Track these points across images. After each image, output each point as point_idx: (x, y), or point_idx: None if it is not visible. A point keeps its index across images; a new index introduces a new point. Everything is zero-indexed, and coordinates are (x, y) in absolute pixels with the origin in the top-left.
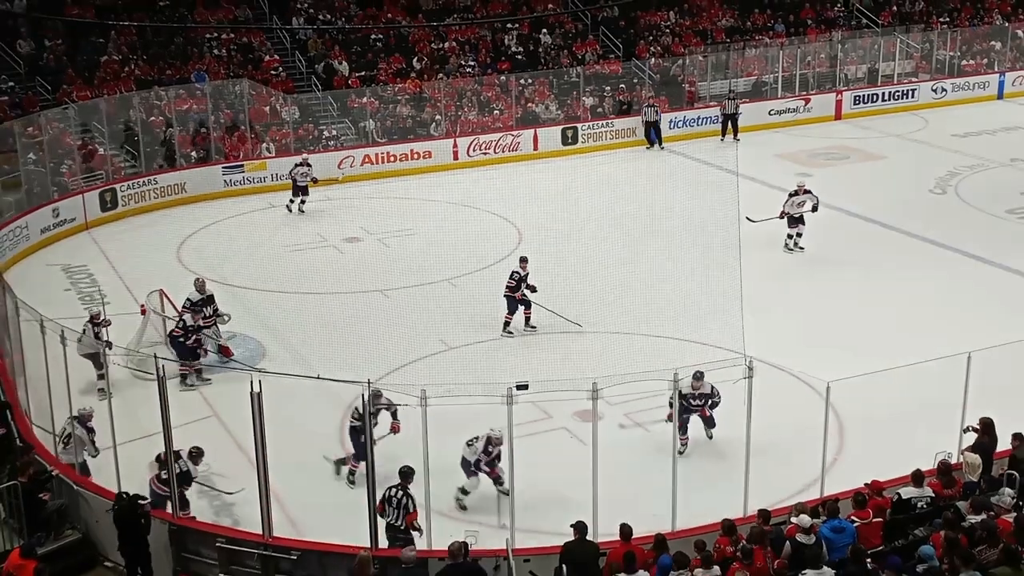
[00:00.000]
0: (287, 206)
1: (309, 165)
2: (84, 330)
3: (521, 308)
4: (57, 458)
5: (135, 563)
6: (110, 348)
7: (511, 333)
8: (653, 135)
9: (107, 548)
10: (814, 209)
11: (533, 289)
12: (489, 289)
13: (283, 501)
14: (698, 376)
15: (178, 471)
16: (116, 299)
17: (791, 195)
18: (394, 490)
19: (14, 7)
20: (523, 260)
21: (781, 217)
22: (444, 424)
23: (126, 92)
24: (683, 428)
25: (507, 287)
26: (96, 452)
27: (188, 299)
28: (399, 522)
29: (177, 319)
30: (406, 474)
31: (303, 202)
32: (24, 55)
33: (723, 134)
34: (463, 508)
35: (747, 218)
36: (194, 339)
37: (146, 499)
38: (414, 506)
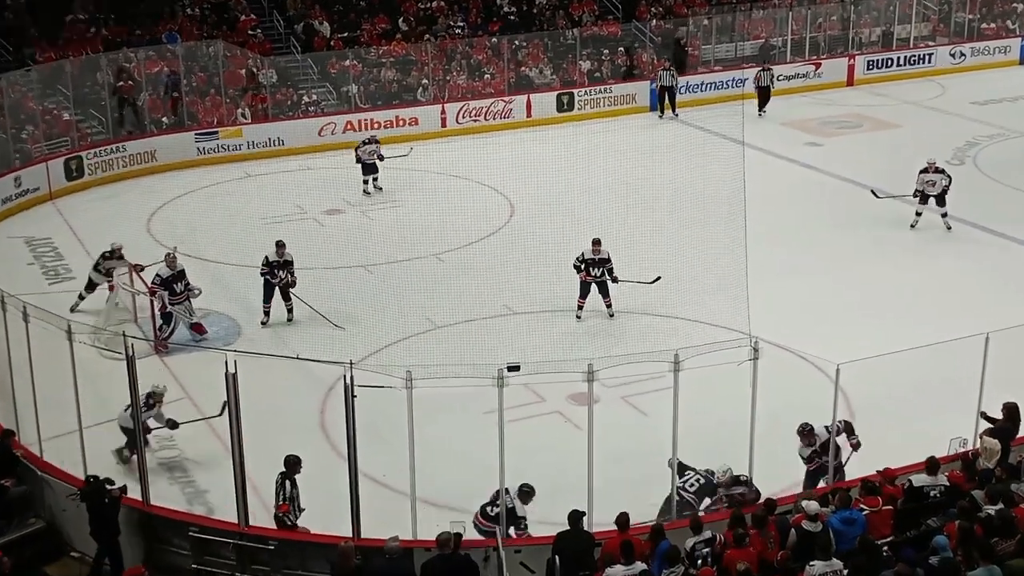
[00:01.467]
0: (364, 190)
1: (377, 142)
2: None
3: (596, 290)
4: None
5: (104, 549)
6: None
7: (579, 317)
8: (667, 101)
9: (73, 537)
10: (942, 196)
11: (611, 273)
12: (479, 264)
13: (260, 488)
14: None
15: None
16: (81, 273)
17: (921, 172)
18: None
19: None
20: (595, 242)
21: (914, 195)
22: (430, 407)
23: (93, 53)
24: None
25: (574, 266)
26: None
27: (158, 274)
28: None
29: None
30: (294, 462)
31: (375, 179)
32: None
33: (760, 109)
34: None
35: (872, 192)
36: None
37: (114, 483)
38: (284, 498)
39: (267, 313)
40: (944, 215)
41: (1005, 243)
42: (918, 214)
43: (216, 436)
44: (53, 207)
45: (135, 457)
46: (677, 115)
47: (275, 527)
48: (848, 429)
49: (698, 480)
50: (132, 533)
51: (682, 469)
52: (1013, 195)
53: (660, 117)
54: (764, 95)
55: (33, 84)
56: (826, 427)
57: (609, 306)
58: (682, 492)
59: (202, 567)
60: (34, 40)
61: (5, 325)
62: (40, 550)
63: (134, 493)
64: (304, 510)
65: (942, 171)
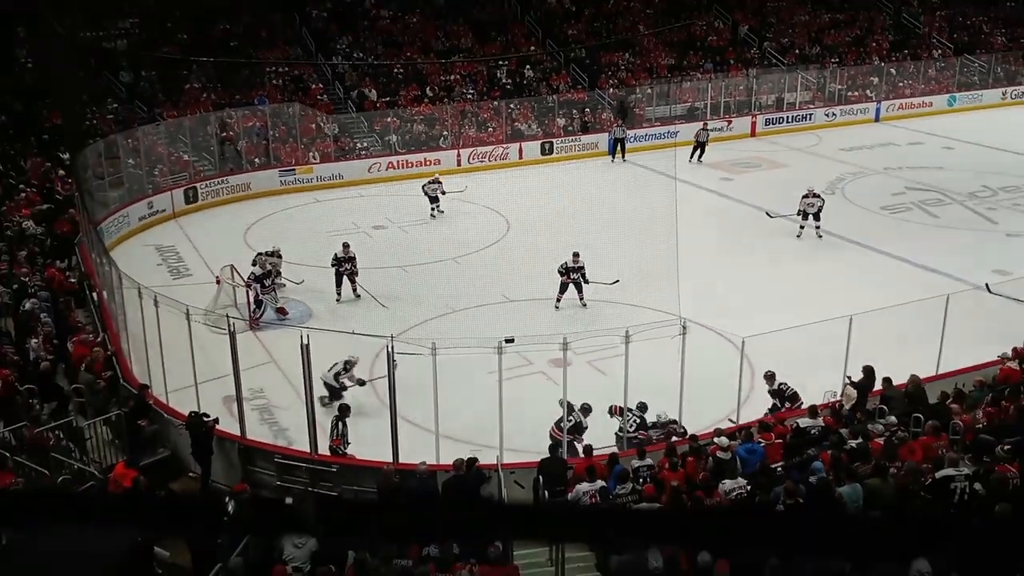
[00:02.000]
0: (431, 215)
1: (439, 181)
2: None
3: (573, 288)
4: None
5: (202, 463)
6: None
7: (557, 307)
8: (619, 149)
9: (190, 463)
10: (817, 213)
11: (584, 276)
12: (485, 266)
13: (325, 427)
14: None
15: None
16: (197, 272)
17: (804, 196)
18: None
19: (117, 46)
20: (574, 254)
21: (797, 214)
22: (449, 369)
23: (204, 112)
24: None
25: (558, 271)
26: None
27: (252, 272)
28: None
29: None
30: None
31: (438, 208)
32: (125, 83)
33: (691, 157)
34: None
35: (767, 213)
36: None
37: (209, 416)
38: (337, 434)
39: (339, 295)
40: (817, 227)
41: (863, 250)
42: (801, 227)
43: (292, 388)
44: (176, 224)
45: (325, 403)
46: (626, 160)
47: (338, 455)
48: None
49: (635, 421)
50: (233, 459)
51: (623, 411)
52: (870, 216)
53: (612, 161)
54: (701, 147)
55: (161, 134)
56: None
57: (582, 299)
58: (625, 431)
59: (283, 484)
60: (162, 102)
61: (142, 309)
62: (167, 472)
63: (230, 427)
64: (351, 443)
65: (818, 195)
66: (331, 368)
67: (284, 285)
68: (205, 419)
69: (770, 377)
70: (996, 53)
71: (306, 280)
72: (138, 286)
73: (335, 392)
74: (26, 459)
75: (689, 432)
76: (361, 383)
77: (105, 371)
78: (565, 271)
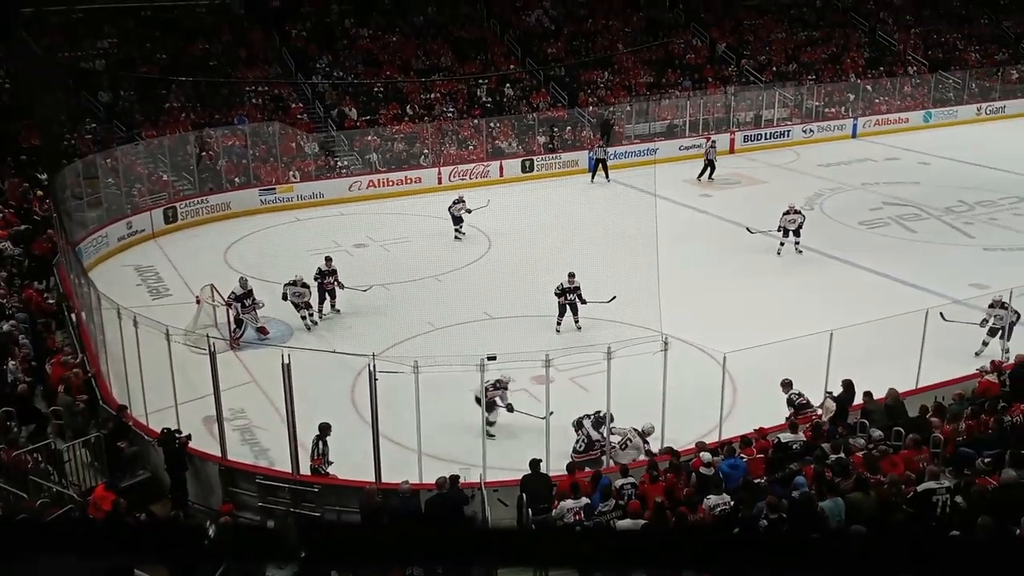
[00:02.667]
0: (455, 236)
1: (464, 201)
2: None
3: (569, 311)
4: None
5: (176, 479)
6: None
7: (558, 331)
8: (601, 168)
9: (170, 484)
10: (798, 229)
11: (580, 297)
12: (467, 283)
13: (307, 447)
14: None
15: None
16: (176, 292)
17: (785, 213)
18: (319, 443)
19: (96, 66)
20: (570, 275)
21: (778, 230)
22: (431, 387)
23: (184, 131)
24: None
25: (555, 293)
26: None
27: (232, 292)
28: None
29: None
30: (326, 427)
31: (461, 230)
32: (104, 103)
33: (701, 175)
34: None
35: (747, 229)
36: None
37: (181, 432)
38: (317, 454)
39: (320, 312)
40: (797, 243)
41: (842, 265)
42: (781, 244)
43: (274, 408)
44: (155, 244)
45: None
46: (609, 180)
47: (321, 475)
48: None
49: (583, 441)
50: (215, 480)
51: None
52: (848, 231)
53: (592, 181)
54: (711, 165)
55: (140, 154)
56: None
57: (577, 322)
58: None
59: (265, 505)
60: (140, 122)
61: (120, 329)
62: (147, 494)
63: (211, 448)
64: (332, 463)
65: (799, 211)
66: (492, 384)
67: (263, 305)
68: (178, 436)
69: (786, 385)
70: (970, 69)
71: (281, 301)
72: (117, 307)
73: (490, 405)
74: (4, 483)
75: (668, 445)
76: (510, 408)
77: (82, 393)
78: (561, 292)
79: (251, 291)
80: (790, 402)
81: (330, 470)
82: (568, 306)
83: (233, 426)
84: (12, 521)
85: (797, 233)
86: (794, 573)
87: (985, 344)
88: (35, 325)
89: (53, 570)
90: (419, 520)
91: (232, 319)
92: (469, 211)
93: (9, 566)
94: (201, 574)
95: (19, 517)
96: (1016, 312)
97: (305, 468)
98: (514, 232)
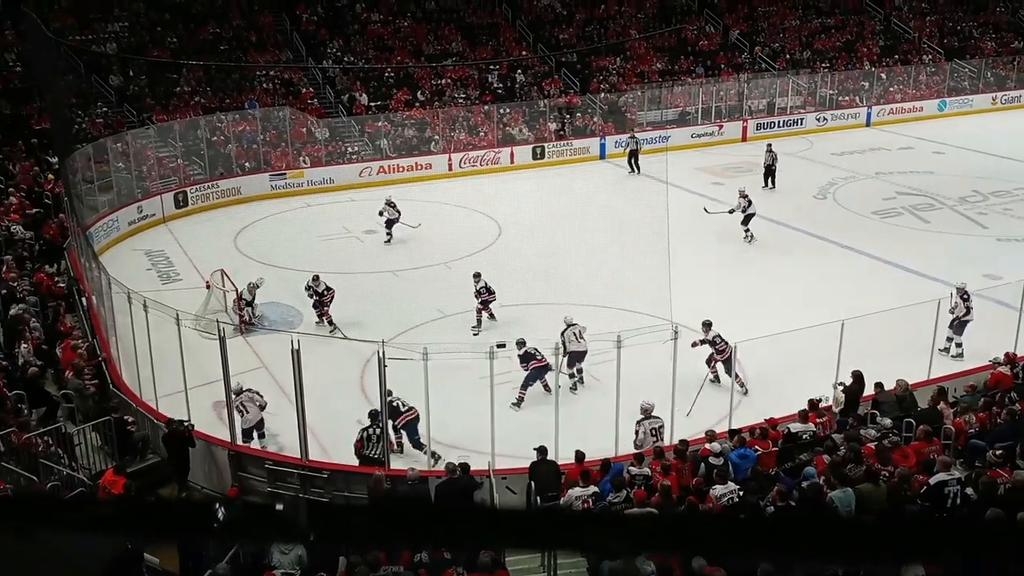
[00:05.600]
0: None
1: (394, 205)
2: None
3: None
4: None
5: (177, 473)
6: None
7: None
8: (633, 161)
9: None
10: (730, 212)
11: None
12: (475, 269)
13: (316, 433)
14: None
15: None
16: (187, 277)
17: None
18: (370, 431)
19: (107, 49)
20: (476, 275)
21: (730, 212)
22: (440, 374)
23: (195, 116)
24: None
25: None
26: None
27: (242, 295)
28: (379, 454)
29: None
30: (375, 415)
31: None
32: (115, 87)
33: (764, 183)
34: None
35: (704, 209)
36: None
37: (191, 424)
38: (388, 439)
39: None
40: (747, 231)
41: (855, 255)
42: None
43: (283, 394)
44: (165, 228)
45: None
46: (639, 172)
47: (330, 460)
48: None
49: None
50: (224, 465)
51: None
52: (861, 220)
53: (638, 173)
54: (769, 173)
55: (151, 138)
56: None
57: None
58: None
59: (275, 490)
60: (151, 106)
61: (131, 314)
62: (155, 478)
63: (221, 433)
64: (375, 445)
65: (746, 196)
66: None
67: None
68: (184, 423)
69: (707, 326)
70: (986, 58)
71: (291, 287)
72: (127, 291)
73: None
74: (15, 465)
75: (679, 436)
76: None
77: (92, 377)
78: (478, 293)
79: (254, 297)
80: (712, 343)
81: (343, 455)
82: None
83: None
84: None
85: (746, 222)
86: (799, 557)
87: (949, 340)
88: (46, 308)
89: (65, 548)
90: (427, 507)
91: (238, 306)
92: (394, 220)
93: (21, 543)
94: (210, 554)
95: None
96: (968, 308)
97: (317, 453)
98: (524, 219)
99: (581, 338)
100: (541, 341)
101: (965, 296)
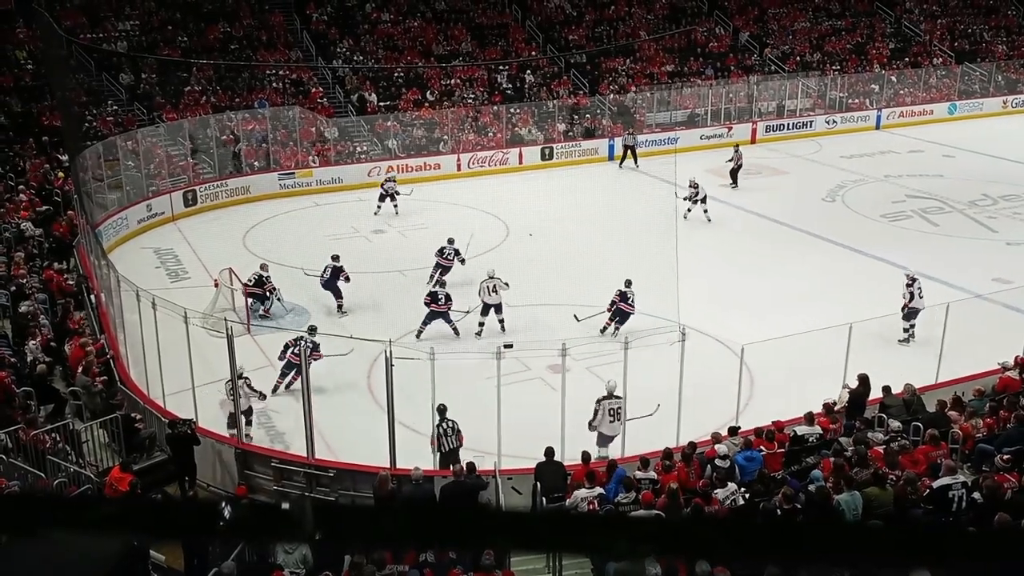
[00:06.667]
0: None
1: (394, 181)
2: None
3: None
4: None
5: (184, 473)
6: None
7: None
8: (630, 155)
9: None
10: (687, 199)
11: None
12: (482, 271)
13: (323, 431)
14: None
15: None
16: (195, 275)
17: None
18: (443, 427)
19: (118, 48)
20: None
21: (687, 200)
22: (447, 374)
23: (204, 115)
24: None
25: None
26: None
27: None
28: (456, 445)
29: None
30: (443, 410)
31: (394, 206)
32: (125, 85)
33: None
34: None
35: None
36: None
37: (193, 422)
38: (460, 432)
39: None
40: (705, 210)
41: (863, 258)
42: (688, 210)
43: (290, 393)
44: (175, 226)
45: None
46: (638, 167)
47: (336, 459)
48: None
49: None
50: (231, 463)
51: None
52: (870, 224)
53: (620, 167)
54: (733, 175)
55: (161, 136)
56: None
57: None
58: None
59: (281, 488)
60: (161, 104)
61: (139, 312)
62: (162, 476)
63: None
64: (451, 438)
65: (695, 185)
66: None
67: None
68: (187, 421)
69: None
70: (997, 62)
71: (300, 286)
72: (136, 289)
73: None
74: (22, 462)
75: (686, 439)
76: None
77: (101, 374)
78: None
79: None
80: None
81: (350, 455)
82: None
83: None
84: (30, 497)
85: (704, 201)
86: (804, 562)
87: (906, 331)
88: (55, 306)
89: (70, 547)
90: (433, 507)
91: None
92: (398, 193)
93: (27, 542)
94: (215, 555)
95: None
96: (912, 295)
97: (324, 452)
98: (532, 220)
99: (494, 292)
100: (546, 341)
101: (910, 283)
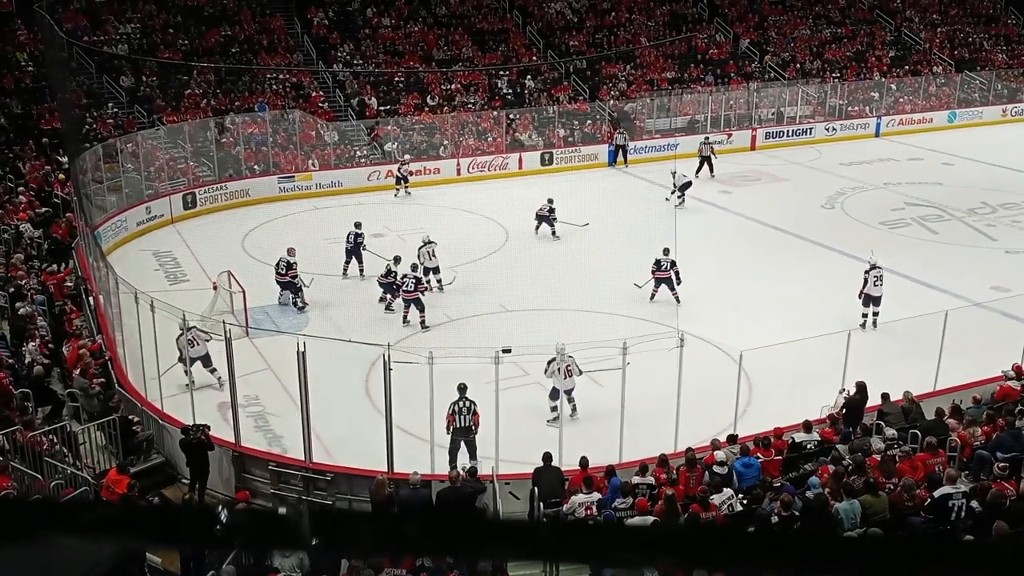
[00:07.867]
0: (395, 195)
1: (407, 163)
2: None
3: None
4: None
5: (197, 478)
6: None
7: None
8: (621, 156)
9: (183, 470)
10: (675, 193)
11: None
12: (481, 276)
13: (320, 435)
14: None
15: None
16: (194, 277)
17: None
18: (460, 404)
19: (118, 50)
20: (665, 250)
21: (674, 193)
22: (445, 378)
23: (204, 118)
24: None
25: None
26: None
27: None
28: (469, 424)
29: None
30: (464, 388)
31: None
32: (125, 87)
33: (697, 172)
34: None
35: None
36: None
37: (209, 427)
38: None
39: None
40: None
41: (862, 265)
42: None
43: (288, 396)
44: (174, 229)
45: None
46: (627, 167)
47: (334, 463)
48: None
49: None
50: (227, 467)
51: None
52: (869, 231)
53: (611, 166)
54: (708, 163)
55: (161, 139)
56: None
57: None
58: None
59: (278, 492)
60: (161, 107)
61: (138, 314)
62: (159, 478)
63: (225, 434)
64: (466, 416)
65: (673, 174)
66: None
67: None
68: (200, 426)
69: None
70: (997, 70)
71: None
72: (134, 291)
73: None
74: (19, 464)
75: (684, 445)
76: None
77: (98, 376)
78: (659, 267)
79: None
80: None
81: (345, 458)
82: (664, 283)
83: (247, 412)
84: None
85: (683, 190)
86: (802, 572)
87: (864, 315)
88: (53, 308)
89: (66, 551)
90: (430, 512)
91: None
92: (411, 173)
93: (22, 546)
94: (211, 558)
95: (33, 498)
96: (866, 280)
97: (321, 455)
98: (530, 225)
99: (433, 256)
100: (546, 347)
101: (868, 269)
